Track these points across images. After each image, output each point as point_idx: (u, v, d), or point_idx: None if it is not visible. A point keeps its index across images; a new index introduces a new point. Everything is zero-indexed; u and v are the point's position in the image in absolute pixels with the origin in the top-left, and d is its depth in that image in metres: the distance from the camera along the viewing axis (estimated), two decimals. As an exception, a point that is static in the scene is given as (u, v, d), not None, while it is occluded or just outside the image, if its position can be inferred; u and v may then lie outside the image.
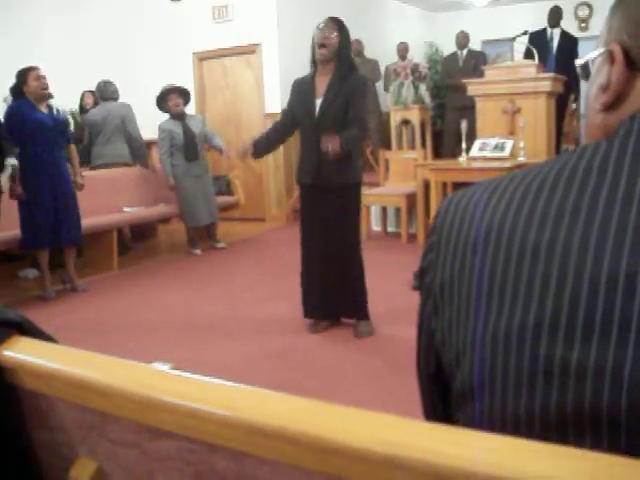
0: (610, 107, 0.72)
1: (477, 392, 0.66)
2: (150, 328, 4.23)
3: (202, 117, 6.80)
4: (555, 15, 8.03)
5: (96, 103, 7.01)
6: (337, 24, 3.74)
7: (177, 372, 0.74)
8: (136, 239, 7.17)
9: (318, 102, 3.77)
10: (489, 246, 0.67)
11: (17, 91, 4.97)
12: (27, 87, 4.87)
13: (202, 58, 8.82)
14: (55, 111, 5.07)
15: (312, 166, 3.82)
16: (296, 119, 3.93)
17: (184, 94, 6.63)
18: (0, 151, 4.72)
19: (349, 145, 3.69)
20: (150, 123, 7.72)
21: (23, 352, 0.82)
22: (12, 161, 4.74)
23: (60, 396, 0.79)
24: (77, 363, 0.79)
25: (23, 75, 4.89)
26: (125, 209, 6.43)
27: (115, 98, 6.82)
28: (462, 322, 0.69)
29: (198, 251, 6.63)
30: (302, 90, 3.88)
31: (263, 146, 4.06)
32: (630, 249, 0.58)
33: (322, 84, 3.79)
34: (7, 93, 6.16)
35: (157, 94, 6.60)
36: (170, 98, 6.49)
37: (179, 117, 6.51)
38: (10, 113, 4.91)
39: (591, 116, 0.76)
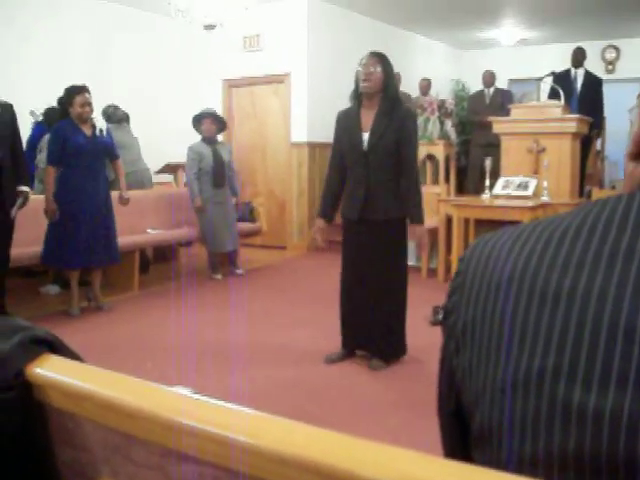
0: (636, 157, 0.74)
1: (495, 434, 0.67)
2: (169, 350, 4.25)
3: (230, 147, 6.87)
4: (578, 56, 8.05)
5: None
6: (380, 58, 3.77)
7: (203, 398, 0.75)
8: (157, 261, 7.22)
9: (365, 136, 3.77)
10: (511, 291, 0.68)
11: (62, 109, 5.08)
12: (72, 109, 4.98)
13: (232, 85, 8.96)
14: (99, 131, 5.17)
15: (360, 200, 3.80)
16: (343, 153, 3.92)
17: (219, 121, 6.74)
18: (17, 177, 4.80)
19: (421, 210, 3.80)
20: (179, 146, 7.84)
21: (53, 370, 0.84)
22: (24, 188, 4.84)
23: (87, 416, 0.81)
24: (106, 384, 0.80)
25: (71, 97, 4.99)
26: (148, 230, 6.49)
27: (123, 123, 6.90)
28: (482, 364, 0.70)
29: (219, 276, 6.66)
30: (347, 124, 3.88)
31: (331, 206, 4.03)
32: None
33: (368, 118, 3.80)
34: (36, 106, 6.27)
35: (194, 114, 6.72)
36: (204, 122, 6.59)
37: (210, 141, 6.59)
38: (56, 132, 5.02)
39: (624, 163, 0.78)
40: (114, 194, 5.37)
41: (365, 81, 3.73)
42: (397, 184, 3.82)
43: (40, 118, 6.35)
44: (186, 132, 7.64)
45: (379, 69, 3.73)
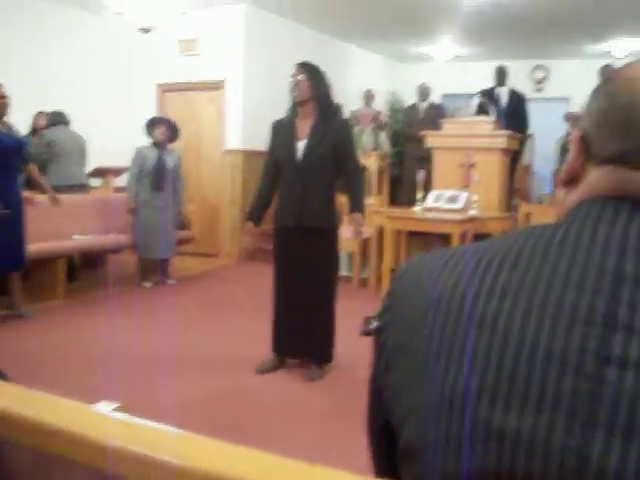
0: (566, 185, 0.78)
1: (421, 451, 0.69)
2: (95, 362, 4.12)
3: (179, 156, 6.78)
4: (500, 75, 8.30)
5: (47, 126, 6.84)
6: (304, 68, 3.83)
7: (129, 416, 0.73)
8: (84, 268, 7.03)
9: (300, 144, 3.82)
10: (439, 314, 0.72)
11: None
12: None
13: (165, 90, 8.84)
14: (11, 130, 5.00)
15: (294, 208, 3.83)
16: (278, 162, 3.95)
17: (173, 129, 6.70)
18: None
19: (364, 205, 4.00)
20: (110, 150, 7.70)
21: (-30, 388, 0.80)
22: None
23: (4, 436, 0.77)
24: (25, 402, 0.77)
25: None
26: (75, 237, 6.31)
27: (66, 123, 6.77)
28: (410, 384, 0.73)
29: (149, 284, 6.54)
30: (282, 132, 3.92)
31: (260, 209, 4.07)
32: (565, 329, 0.63)
33: (304, 126, 3.84)
34: None
35: (150, 117, 6.76)
36: (159, 126, 6.57)
37: (159, 146, 6.53)
38: None
39: (557, 189, 0.81)
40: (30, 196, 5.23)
41: (293, 91, 3.83)
42: (331, 193, 3.90)
43: None
44: (118, 135, 7.51)
45: (304, 77, 3.79)
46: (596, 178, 0.73)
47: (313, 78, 3.81)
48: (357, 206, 3.94)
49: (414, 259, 0.83)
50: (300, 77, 3.79)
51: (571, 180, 0.77)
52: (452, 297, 0.72)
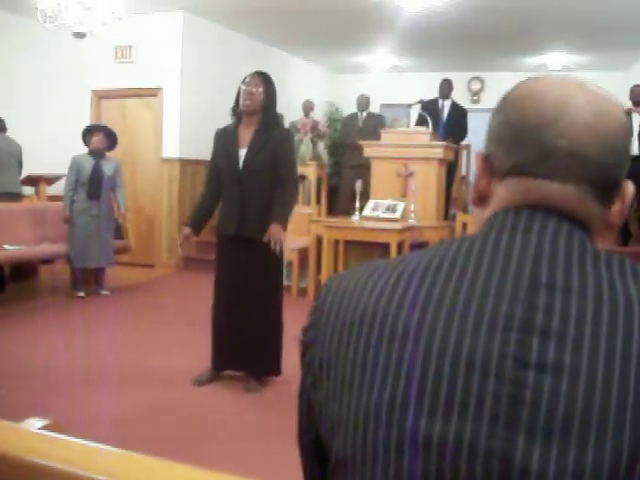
0: (478, 204, 0.82)
1: (350, 463, 0.71)
2: (25, 377, 3.98)
3: (119, 163, 6.64)
4: (445, 88, 8.51)
5: None
6: (263, 79, 3.78)
7: (59, 435, 0.70)
8: (15, 279, 6.81)
9: (242, 152, 3.76)
10: (364, 327, 0.74)
11: None
12: None
13: (101, 97, 8.68)
14: None
15: (235, 218, 3.77)
16: (220, 170, 3.88)
17: (111, 137, 6.58)
18: None
19: (287, 218, 3.81)
20: (43, 157, 7.50)
21: None
22: None
23: None
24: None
25: None
26: (6, 246, 6.11)
27: (4, 129, 6.60)
28: (338, 397, 0.74)
29: (82, 293, 6.37)
30: (225, 141, 3.85)
31: (201, 217, 3.99)
32: (486, 336, 0.66)
33: (246, 135, 3.79)
34: None
35: (87, 125, 6.63)
36: (96, 134, 6.45)
37: (95, 155, 6.40)
38: None
39: (473, 207, 0.85)
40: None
41: (246, 100, 3.72)
42: (273, 202, 3.79)
43: None
44: (51, 142, 7.31)
45: (261, 89, 3.73)
46: (504, 192, 0.77)
47: (267, 90, 3.76)
48: (278, 217, 3.73)
49: (337, 275, 0.85)
50: (257, 89, 3.71)
51: (481, 198, 0.81)
52: (376, 309, 0.73)
